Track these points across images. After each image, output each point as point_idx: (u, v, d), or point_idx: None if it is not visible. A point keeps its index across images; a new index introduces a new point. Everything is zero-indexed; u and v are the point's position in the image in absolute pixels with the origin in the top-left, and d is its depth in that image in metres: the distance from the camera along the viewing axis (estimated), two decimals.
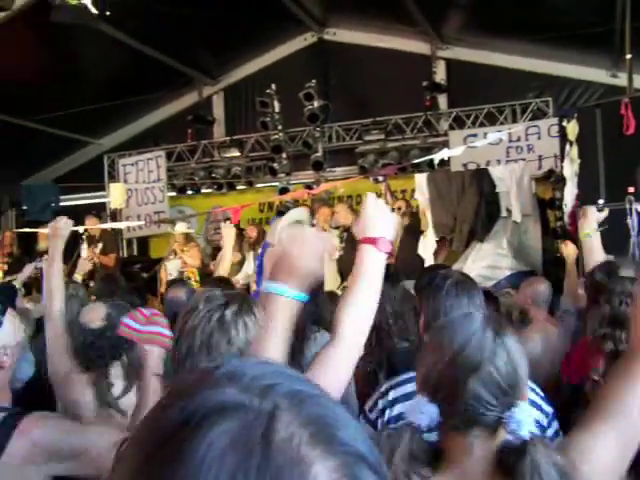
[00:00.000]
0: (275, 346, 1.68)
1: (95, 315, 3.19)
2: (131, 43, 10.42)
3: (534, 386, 2.52)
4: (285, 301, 1.71)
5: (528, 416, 1.62)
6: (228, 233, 5.51)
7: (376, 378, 3.32)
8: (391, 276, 8.97)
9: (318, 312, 3.43)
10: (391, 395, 2.49)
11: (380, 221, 1.99)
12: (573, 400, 3.01)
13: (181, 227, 9.57)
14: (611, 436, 1.66)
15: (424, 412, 1.59)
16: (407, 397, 2.43)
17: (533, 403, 2.45)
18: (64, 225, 3.67)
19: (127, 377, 3.10)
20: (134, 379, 3.07)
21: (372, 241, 1.95)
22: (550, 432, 2.47)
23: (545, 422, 2.46)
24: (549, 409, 2.50)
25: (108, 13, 7.21)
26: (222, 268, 5.35)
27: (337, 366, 1.82)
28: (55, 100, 11.16)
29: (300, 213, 5.03)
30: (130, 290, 5.57)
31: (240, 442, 0.64)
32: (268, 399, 0.68)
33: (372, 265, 1.94)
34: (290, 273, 1.74)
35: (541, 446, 1.55)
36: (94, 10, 6.74)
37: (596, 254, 4.25)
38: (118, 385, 3.08)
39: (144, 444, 0.68)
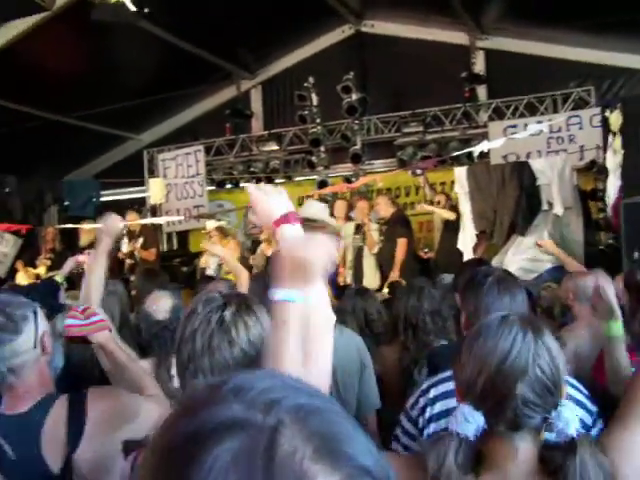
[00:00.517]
0: (290, 355, 1.64)
1: (161, 306, 3.24)
2: (169, 39, 10.48)
3: (578, 384, 2.48)
4: (295, 306, 1.66)
5: (574, 414, 1.60)
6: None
7: (410, 375, 3.31)
8: (430, 270, 8.96)
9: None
10: (432, 393, 2.47)
11: (275, 202, 1.90)
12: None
13: (211, 224, 9.56)
14: None
15: (470, 421, 1.56)
16: (447, 395, 2.41)
17: (578, 402, 2.41)
18: (115, 222, 3.67)
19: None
20: None
21: (282, 220, 1.86)
22: (595, 431, 2.42)
23: (590, 421, 2.42)
24: (594, 408, 2.46)
25: (147, 10, 7.26)
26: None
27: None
28: (95, 96, 11.30)
29: (316, 209, 5.00)
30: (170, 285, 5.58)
31: (244, 458, 0.65)
32: (272, 414, 0.69)
33: (297, 240, 1.86)
34: (296, 277, 1.66)
35: (589, 446, 1.53)
36: (133, 8, 6.79)
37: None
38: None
39: (157, 457, 0.71)
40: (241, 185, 12.98)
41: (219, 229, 9.66)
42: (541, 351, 1.59)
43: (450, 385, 2.38)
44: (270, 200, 1.92)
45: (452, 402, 2.37)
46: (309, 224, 4.56)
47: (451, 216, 8.42)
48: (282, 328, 1.63)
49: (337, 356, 2.87)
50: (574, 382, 2.47)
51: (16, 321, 2.26)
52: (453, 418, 1.62)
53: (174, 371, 3.09)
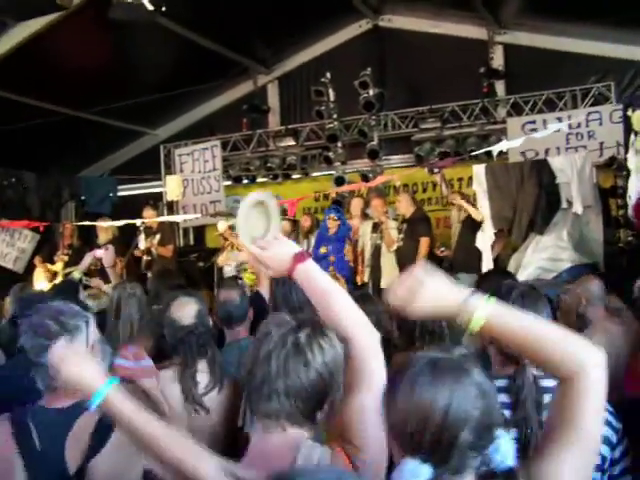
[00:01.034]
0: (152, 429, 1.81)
1: (187, 312, 3.26)
2: (186, 34, 10.48)
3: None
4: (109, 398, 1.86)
5: (510, 443, 1.55)
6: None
7: None
8: (447, 269, 8.94)
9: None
10: None
11: (276, 252, 2.02)
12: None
13: (222, 225, 9.51)
14: (570, 461, 1.59)
15: (419, 476, 1.50)
16: None
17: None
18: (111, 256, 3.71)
19: (212, 374, 3.16)
20: (219, 377, 3.14)
21: (295, 262, 1.98)
22: (619, 449, 2.40)
23: (615, 439, 2.39)
24: (619, 425, 2.43)
25: (164, 9, 7.24)
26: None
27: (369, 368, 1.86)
28: (111, 92, 11.29)
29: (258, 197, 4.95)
30: (186, 285, 5.58)
31: None
32: None
33: (315, 275, 1.99)
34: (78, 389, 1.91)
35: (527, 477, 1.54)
36: (150, 6, 6.77)
37: None
38: (203, 382, 3.14)
39: None
40: (258, 180, 12.98)
41: (232, 228, 9.64)
42: (476, 393, 1.53)
43: None
44: (273, 252, 2.02)
45: None
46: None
47: (478, 216, 8.31)
48: None
49: None
50: None
51: (70, 330, 2.38)
52: (399, 474, 1.54)
53: (199, 377, 3.11)
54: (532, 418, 2.32)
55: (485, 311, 1.66)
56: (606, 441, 2.35)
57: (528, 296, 2.52)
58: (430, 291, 1.71)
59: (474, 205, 8.36)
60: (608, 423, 2.39)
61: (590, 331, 4.27)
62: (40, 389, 2.42)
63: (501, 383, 2.42)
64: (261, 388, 1.78)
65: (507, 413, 2.35)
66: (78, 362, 1.88)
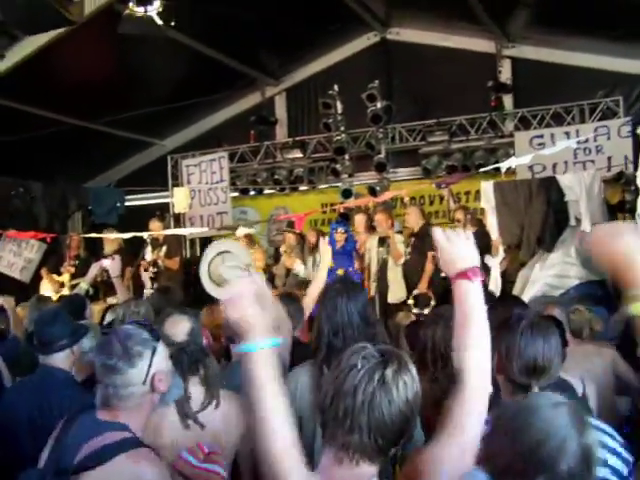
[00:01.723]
0: (270, 402, 1.80)
1: (180, 329, 3.25)
2: (194, 45, 10.51)
3: (613, 432, 2.43)
4: (256, 354, 1.81)
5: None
6: (327, 250, 5.07)
7: (441, 405, 3.25)
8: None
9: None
10: None
11: (460, 252, 2.04)
12: None
13: (242, 230, 9.57)
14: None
15: None
16: None
17: (613, 451, 2.36)
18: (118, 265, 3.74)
19: (207, 391, 3.14)
20: (215, 394, 3.13)
21: (462, 275, 2.00)
22: None
23: (625, 471, 2.37)
24: (630, 457, 2.40)
25: (173, 23, 7.26)
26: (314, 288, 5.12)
27: (468, 419, 1.87)
28: (119, 102, 11.33)
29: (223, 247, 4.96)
30: (188, 302, 5.57)
31: None
32: None
33: (472, 298, 1.98)
34: (240, 330, 1.84)
35: None
36: (159, 21, 6.79)
37: None
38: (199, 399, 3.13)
39: None
40: (265, 192, 12.99)
41: (248, 236, 9.65)
42: (579, 451, 1.55)
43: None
44: (455, 249, 2.04)
45: None
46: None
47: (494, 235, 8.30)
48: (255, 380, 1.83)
49: None
50: (610, 430, 2.43)
51: (132, 354, 2.45)
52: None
53: (194, 393, 3.10)
54: None
55: None
56: (616, 473, 2.33)
57: (537, 325, 2.51)
58: (628, 247, 1.76)
59: (481, 241, 8.33)
60: (617, 454, 2.37)
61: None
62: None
63: None
64: (343, 420, 1.77)
65: None
66: (257, 307, 1.88)
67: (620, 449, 2.39)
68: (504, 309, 3.57)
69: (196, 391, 3.13)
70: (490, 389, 1.94)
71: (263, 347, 1.82)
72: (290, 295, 5.12)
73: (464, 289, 1.99)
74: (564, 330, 3.91)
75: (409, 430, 1.83)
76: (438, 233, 2.09)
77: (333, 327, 3.23)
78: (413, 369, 1.87)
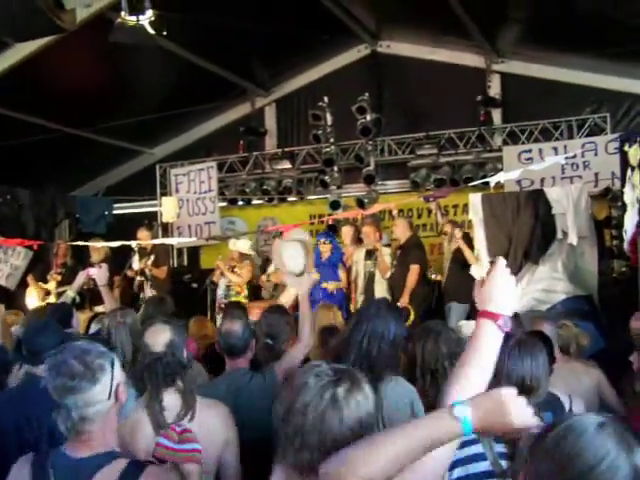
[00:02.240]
0: None
1: (160, 340, 3.24)
2: (185, 55, 10.50)
3: None
4: None
5: None
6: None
7: None
8: (438, 296, 8.88)
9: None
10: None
11: (505, 296, 1.97)
12: None
13: (243, 246, 9.50)
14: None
15: None
16: (468, 460, 2.36)
17: None
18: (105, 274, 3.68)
19: (183, 403, 3.12)
20: (189, 406, 3.11)
21: (493, 317, 1.94)
22: None
23: None
24: None
25: (165, 33, 7.26)
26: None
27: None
28: (109, 110, 11.32)
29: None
30: (179, 313, 5.56)
31: None
32: None
33: (489, 342, 1.94)
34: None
35: None
36: (151, 30, 6.78)
37: None
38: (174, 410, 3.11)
39: None
40: (253, 202, 12.98)
41: (241, 254, 9.64)
42: (628, 472, 1.48)
43: (473, 449, 2.34)
44: (503, 290, 1.98)
45: (473, 468, 2.33)
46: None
47: (472, 259, 8.36)
48: None
49: (387, 406, 2.85)
50: None
51: (93, 370, 2.31)
52: None
53: (169, 405, 3.08)
54: None
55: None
56: None
57: (525, 343, 2.51)
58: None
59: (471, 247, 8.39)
60: None
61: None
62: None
63: None
64: (293, 438, 1.76)
65: (504, 463, 2.33)
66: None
67: None
68: None
69: (172, 402, 3.11)
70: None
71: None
72: (280, 308, 5.15)
73: (487, 330, 1.94)
74: (552, 346, 3.93)
75: None
76: (501, 266, 2.03)
77: (370, 340, 3.24)
78: (367, 388, 1.85)
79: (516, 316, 3.83)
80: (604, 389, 4.47)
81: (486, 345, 1.92)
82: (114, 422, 2.42)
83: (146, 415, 3.07)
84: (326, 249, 9.05)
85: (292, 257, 4.72)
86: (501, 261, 2.04)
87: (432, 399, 3.35)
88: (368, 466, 1.58)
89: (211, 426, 3.14)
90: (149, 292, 9.51)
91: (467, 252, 8.39)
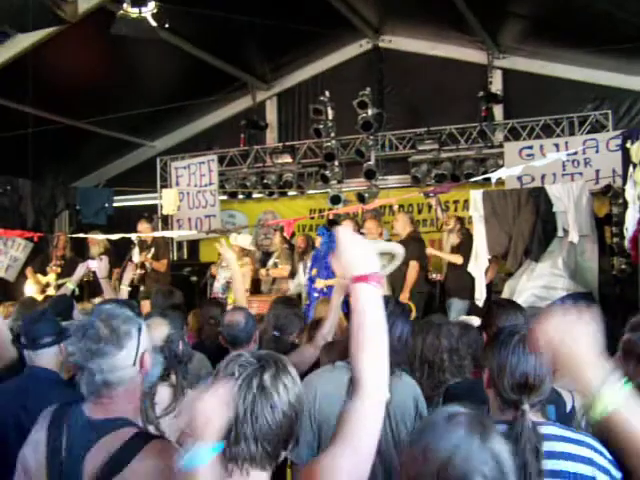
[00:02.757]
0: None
1: (156, 334, 3.21)
2: (187, 48, 10.49)
3: (603, 449, 2.42)
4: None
5: None
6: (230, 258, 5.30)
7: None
8: (438, 293, 8.88)
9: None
10: None
11: (361, 256, 1.94)
12: None
13: (244, 241, 9.47)
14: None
15: None
16: None
17: (602, 468, 2.36)
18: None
19: (173, 398, 3.11)
20: (178, 402, 3.09)
21: (363, 279, 1.90)
22: None
23: None
24: (618, 474, 2.40)
25: (167, 25, 7.25)
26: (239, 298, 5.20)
27: (366, 420, 1.80)
28: (110, 102, 11.31)
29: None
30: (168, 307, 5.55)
31: None
32: None
33: (371, 304, 1.89)
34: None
35: None
36: (153, 22, 6.76)
37: None
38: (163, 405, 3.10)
39: None
40: (254, 196, 12.97)
41: (242, 249, 9.61)
42: (486, 458, 1.53)
43: None
44: (357, 251, 1.94)
45: None
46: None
47: (458, 260, 8.44)
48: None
49: (393, 402, 2.85)
50: (599, 447, 2.42)
51: (120, 335, 2.27)
52: None
53: (160, 399, 3.07)
54: (531, 465, 2.29)
55: (617, 401, 1.67)
56: None
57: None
58: (577, 344, 1.73)
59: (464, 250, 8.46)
60: (606, 471, 2.37)
61: None
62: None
63: (499, 429, 2.40)
64: (227, 432, 1.74)
65: None
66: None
67: (609, 466, 2.39)
68: (501, 313, 3.61)
69: (163, 397, 3.11)
70: (387, 396, 1.87)
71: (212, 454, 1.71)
72: (290, 300, 5.15)
73: (360, 293, 1.89)
74: None
75: (295, 432, 1.82)
76: (342, 233, 1.99)
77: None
78: (293, 370, 1.85)
79: (521, 312, 3.82)
80: None
81: (369, 307, 1.88)
82: (137, 389, 2.38)
83: None
84: (317, 242, 9.03)
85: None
86: (338, 229, 2.01)
87: (427, 390, 3.36)
88: None
89: None
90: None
91: (443, 256, 8.52)
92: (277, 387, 1.78)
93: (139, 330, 2.34)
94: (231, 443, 1.74)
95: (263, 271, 10.09)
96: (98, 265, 5.90)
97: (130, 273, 6.10)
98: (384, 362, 1.88)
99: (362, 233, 9.51)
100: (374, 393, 1.84)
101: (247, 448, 1.74)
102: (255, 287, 9.99)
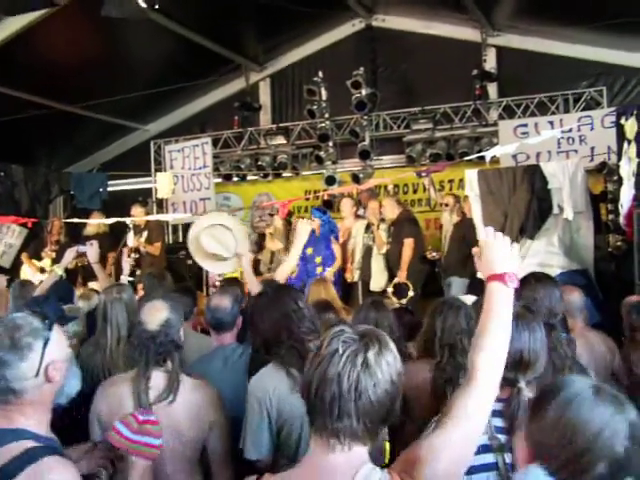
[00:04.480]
0: None
1: (155, 318, 3.19)
2: (178, 30, 10.38)
3: None
4: None
5: None
6: (304, 229, 5.04)
7: (445, 393, 3.25)
8: (438, 272, 8.87)
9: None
10: None
11: (502, 256, 2.09)
12: None
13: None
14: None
15: None
16: (482, 450, 2.33)
17: None
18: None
19: (168, 385, 3.09)
20: (172, 388, 3.08)
21: (499, 277, 2.05)
22: None
23: None
24: None
25: (157, 7, 7.18)
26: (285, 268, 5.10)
27: (474, 409, 1.88)
28: (102, 86, 11.23)
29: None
30: (179, 289, 5.52)
31: None
32: None
33: (501, 303, 2.03)
34: None
35: None
36: (143, 4, 6.70)
37: None
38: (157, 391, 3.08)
39: None
40: (248, 178, 12.94)
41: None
42: (628, 431, 1.63)
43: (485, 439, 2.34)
44: (499, 252, 2.11)
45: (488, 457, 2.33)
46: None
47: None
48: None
49: None
50: None
51: (21, 348, 2.25)
52: (522, 477, 1.68)
53: (154, 385, 3.05)
54: None
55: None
56: None
57: (523, 317, 2.49)
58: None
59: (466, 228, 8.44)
60: None
61: None
62: None
63: (496, 407, 2.39)
64: (331, 408, 1.76)
65: (502, 438, 2.33)
66: None
67: None
68: (540, 287, 3.62)
69: (158, 382, 3.09)
70: (497, 393, 1.96)
71: None
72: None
73: (496, 292, 2.04)
74: (565, 317, 3.94)
75: (395, 408, 1.84)
76: (486, 233, 2.16)
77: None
78: (394, 347, 1.86)
79: (557, 286, 3.85)
80: (615, 359, 4.47)
81: (499, 305, 2.01)
82: (46, 401, 2.35)
83: (129, 391, 3.06)
84: (315, 224, 9.00)
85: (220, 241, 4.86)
86: (489, 229, 2.18)
87: (449, 374, 3.35)
88: None
89: (196, 408, 3.10)
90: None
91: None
92: (381, 364, 1.79)
93: (45, 342, 2.30)
94: (334, 419, 1.77)
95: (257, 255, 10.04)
96: (89, 250, 5.86)
97: (70, 256, 6.04)
98: (501, 364, 1.98)
99: (359, 215, 9.54)
100: (488, 385, 1.94)
101: (350, 424, 1.76)
102: (254, 268, 9.96)
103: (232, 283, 6.12)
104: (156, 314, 3.22)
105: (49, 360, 2.30)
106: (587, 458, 1.59)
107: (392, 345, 1.86)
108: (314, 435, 1.82)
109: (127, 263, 6.21)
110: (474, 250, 2.18)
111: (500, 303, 2.02)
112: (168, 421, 2.97)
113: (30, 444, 2.19)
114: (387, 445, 2.22)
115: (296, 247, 5.02)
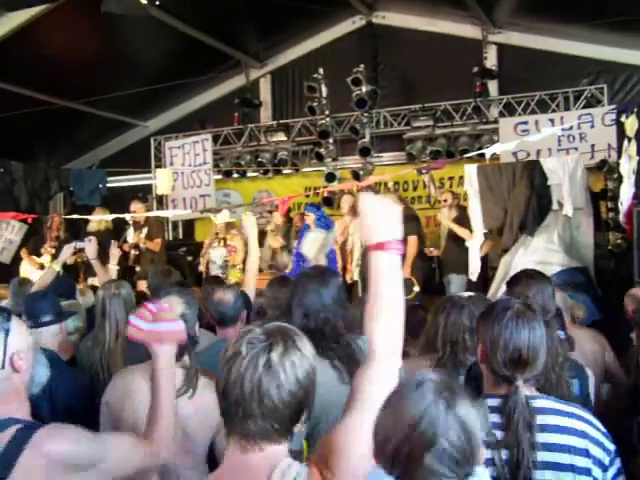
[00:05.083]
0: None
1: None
2: (179, 26, 10.38)
3: (596, 422, 2.42)
4: None
5: None
6: (250, 223, 5.18)
7: None
8: (437, 269, 8.82)
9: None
10: None
11: (382, 222, 1.96)
12: None
13: (224, 217, 9.42)
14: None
15: None
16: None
17: (595, 441, 2.35)
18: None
19: (186, 380, 3.08)
20: (191, 384, 3.07)
21: (381, 246, 1.91)
22: (612, 472, 2.37)
23: (607, 461, 2.36)
24: (611, 447, 2.39)
25: (158, 3, 7.17)
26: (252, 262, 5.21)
27: (379, 382, 1.84)
28: (102, 83, 11.22)
29: None
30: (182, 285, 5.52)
31: None
32: None
33: (388, 272, 1.91)
34: None
35: None
36: (144, 0, 6.69)
37: None
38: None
39: None
40: (248, 175, 12.93)
41: (226, 225, 9.55)
42: (452, 423, 1.59)
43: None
44: (378, 218, 1.96)
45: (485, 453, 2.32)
46: None
47: (468, 237, 8.38)
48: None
49: None
50: (592, 419, 2.42)
51: None
52: None
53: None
54: (523, 439, 2.29)
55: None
56: (598, 463, 2.33)
57: (523, 315, 2.48)
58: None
59: (464, 225, 8.40)
60: (600, 444, 2.36)
61: None
62: None
63: (493, 403, 2.40)
64: (236, 409, 1.74)
65: (498, 434, 2.32)
66: None
67: (602, 439, 2.38)
68: (532, 284, 3.62)
69: (177, 379, 3.08)
70: (399, 362, 1.91)
71: None
72: (284, 279, 5.11)
73: (379, 260, 1.91)
74: (562, 315, 3.93)
75: (306, 407, 1.81)
76: (365, 199, 2.00)
77: (304, 310, 3.19)
78: (304, 345, 1.81)
79: (551, 283, 3.83)
80: (608, 355, 4.45)
81: (386, 274, 1.91)
82: (19, 389, 2.33)
83: (145, 385, 3.04)
84: (310, 220, 8.97)
85: None
86: (365, 195, 2.03)
87: (448, 370, 3.34)
88: None
89: (206, 406, 3.07)
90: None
91: (459, 230, 8.45)
92: (284, 365, 1.74)
93: (6, 333, 2.28)
94: (240, 420, 1.74)
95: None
96: (87, 246, 5.86)
97: (116, 252, 6.03)
98: (399, 331, 1.91)
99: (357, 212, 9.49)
100: (388, 361, 1.88)
101: (256, 426, 1.73)
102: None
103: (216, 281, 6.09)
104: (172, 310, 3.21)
105: (13, 350, 2.29)
106: (411, 447, 1.57)
107: (302, 343, 1.81)
108: (228, 436, 1.80)
109: (115, 251, 6.20)
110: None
111: (387, 272, 1.91)
112: (178, 418, 2.97)
113: (17, 426, 2.18)
114: (305, 444, 2.21)
115: (252, 241, 5.18)
